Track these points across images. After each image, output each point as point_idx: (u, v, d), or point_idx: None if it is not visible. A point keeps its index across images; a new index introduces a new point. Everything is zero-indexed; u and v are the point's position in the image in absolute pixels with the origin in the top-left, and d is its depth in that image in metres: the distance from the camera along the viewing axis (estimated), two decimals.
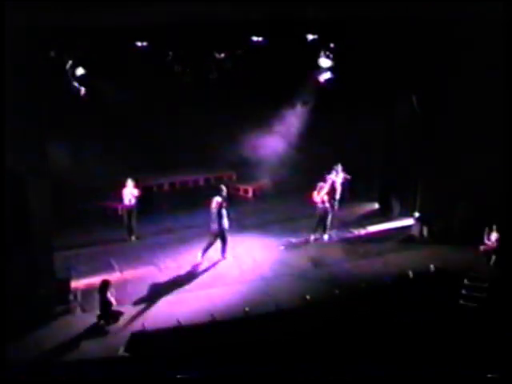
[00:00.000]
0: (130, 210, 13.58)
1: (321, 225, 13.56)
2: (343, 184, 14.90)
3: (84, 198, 14.90)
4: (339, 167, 14.74)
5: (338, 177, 14.72)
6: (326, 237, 13.60)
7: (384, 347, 8.12)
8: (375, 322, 9.22)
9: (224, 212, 12.24)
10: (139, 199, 13.66)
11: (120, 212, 14.08)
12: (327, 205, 13.37)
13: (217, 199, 12.25)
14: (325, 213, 13.44)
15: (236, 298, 10.90)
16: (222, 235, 12.37)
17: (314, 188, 13.43)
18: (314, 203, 13.45)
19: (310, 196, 13.47)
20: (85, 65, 11.77)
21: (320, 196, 13.28)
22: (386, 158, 15.33)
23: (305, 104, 15.85)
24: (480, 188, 12.38)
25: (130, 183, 13.52)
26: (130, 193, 13.49)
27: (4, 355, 7.76)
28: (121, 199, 13.62)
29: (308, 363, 7.49)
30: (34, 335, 9.56)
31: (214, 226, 12.24)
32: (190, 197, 16.23)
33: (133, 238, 13.69)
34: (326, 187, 13.39)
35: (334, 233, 13.89)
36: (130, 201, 13.50)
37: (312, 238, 13.58)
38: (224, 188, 12.40)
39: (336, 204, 14.60)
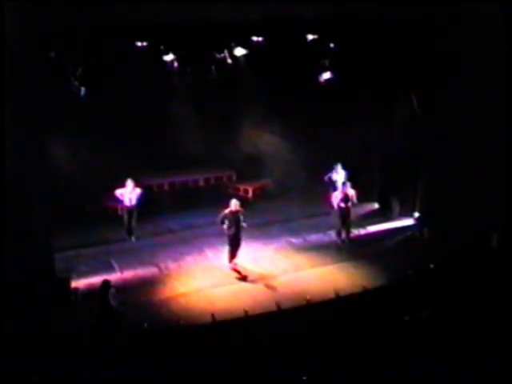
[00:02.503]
0: (130, 210, 13.52)
1: (345, 224, 13.51)
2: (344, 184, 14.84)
3: (84, 197, 14.90)
4: (339, 166, 14.71)
5: (338, 176, 14.69)
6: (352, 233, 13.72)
7: (384, 347, 8.12)
8: (375, 321, 9.21)
9: (241, 216, 12.18)
10: (141, 199, 13.59)
11: (120, 212, 14.02)
12: (350, 203, 13.34)
13: (236, 202, 12.20)
14: (347, 211, 13.37)
15: (236, 298, 10.91)
16: (237, 239, 12.27)
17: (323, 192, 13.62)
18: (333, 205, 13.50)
19: (328, 200, 13.66)
20: (85, 65, 11.76)
21: (340, 195, 13.32)
22: (386, 158, 15.32)
23: None
24: (480, 188, 12.38)
25: (129, 183, 13.46)
26: (129, 192, 13.43)
27: (4, 355, 7.76)
28: (120, 199, 13.55)
29: (308, 363, 7.48)
30: (34, 335, 9.55)
31: (231, 230, 12.14)
32: (190, 197, 16.23)
33: (132, 238, 13.64)
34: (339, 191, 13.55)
35: (333, 233, 13.87)
36: (130, 201, 13.44)
37: (339, 238, 13.60)
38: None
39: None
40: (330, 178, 14.71)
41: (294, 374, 7.20)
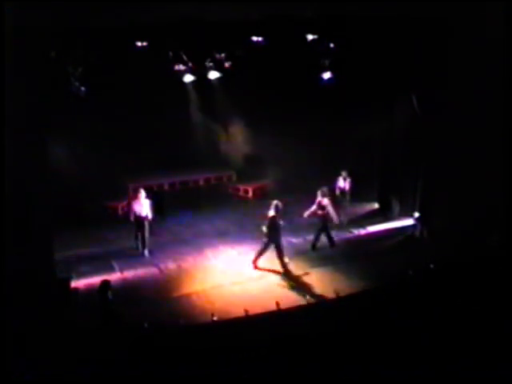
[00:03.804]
0: (141, 221, 12.79)
1: (322, 235, 13.21)
2: (347, 188, 14.70)
3: (84, 197, 14.90)
4: (345, 173, 14.45)
5: (345, 182, 14.50)
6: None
7: (384, 347, 8.11)
8: (375, 322, 9.21)
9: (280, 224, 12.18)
10: (151, 210, 12.92)
11: (121, 212, 13.93)
12: (326, 211, 12.93)
13: (278, 204, 12.15)
14: (325, 218, 13.06)
15: (236, 298, 10.91)
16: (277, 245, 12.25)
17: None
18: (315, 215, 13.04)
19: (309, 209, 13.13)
20: (85, 65, 11.77)
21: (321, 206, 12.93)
22: (386, 158, 15.33)
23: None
24: (480, 187, 12.38)
25: (141, 194, 12.84)
26: (140, 203, 12.81)
27: (4, 355, 7.75)
28: (131, 211, 12.95)
29: (308, 363, 7.48)
30: (34, 335, 9.55)
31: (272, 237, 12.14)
32: (190, 197, 16.24)
33: (146, 252, 12.87)
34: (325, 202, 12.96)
35: (333, 233, 13.86)
36: (140, 212, 12.78)
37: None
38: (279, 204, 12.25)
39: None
40: (339, 188, 14.50)
41: (294, 373, 7.19)
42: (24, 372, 7.29)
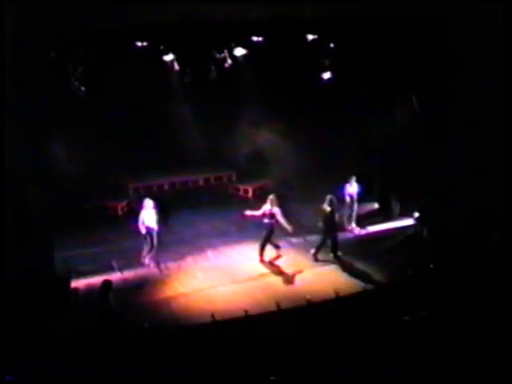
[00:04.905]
0: (150, 232, 12.19)
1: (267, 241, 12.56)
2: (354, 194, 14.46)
3: (84, 197, 14.90)
4: (353, 179, 14.13)
5: (352, 188, 14.16)
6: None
7: (384, 347, 8.12)
8: (375, 321, 9.22)
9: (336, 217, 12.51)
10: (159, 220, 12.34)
11: (121, 212, 13.88)
12: (274, 220, 12.33)
13: (332, 198, 12.36)
14: (271, 228, 12.47)
15: (236, 298, 10.91)
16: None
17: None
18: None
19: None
20: (85, 65, 11.79)
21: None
22: (386, 158, 15.32)
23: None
24: (480, 188, 12.39)
25: (149, 204, 12.22)
26: (148, 213, 12.17)
27: (4, 356, 7.76)
28: (141, 223, 12.11)
29: (308, 363, 7.49)
30: (34, 335, 9.56)
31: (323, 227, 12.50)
32: (190, 197, 16.23)
33: (149, 258, 12.40)
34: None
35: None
36: (149, 223, 12.13)
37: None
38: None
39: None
40: (349, 194, 14.06)
41: (293, 373, 7.20)
42: (24, 372, 7.29)
